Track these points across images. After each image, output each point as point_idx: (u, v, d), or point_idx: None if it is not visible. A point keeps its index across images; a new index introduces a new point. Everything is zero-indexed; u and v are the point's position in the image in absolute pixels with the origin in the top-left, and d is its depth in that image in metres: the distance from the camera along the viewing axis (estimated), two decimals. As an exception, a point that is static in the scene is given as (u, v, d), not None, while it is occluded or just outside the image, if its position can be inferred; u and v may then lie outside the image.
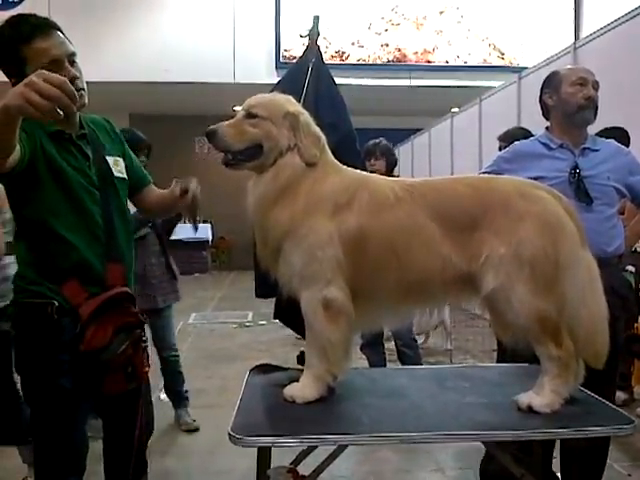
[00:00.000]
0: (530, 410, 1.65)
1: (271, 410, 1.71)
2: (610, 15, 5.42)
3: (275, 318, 2.37)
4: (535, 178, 2.27)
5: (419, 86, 13.37)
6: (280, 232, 1.70)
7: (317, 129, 1.79)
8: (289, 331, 7.28)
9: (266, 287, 2.12)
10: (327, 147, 1.80)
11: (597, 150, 2.52)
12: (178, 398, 4.04)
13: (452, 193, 1.75)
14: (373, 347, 4.27)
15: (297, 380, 1.79)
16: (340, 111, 2.32)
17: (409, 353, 4.30)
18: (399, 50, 13.83)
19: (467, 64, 13.91)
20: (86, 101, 1.92)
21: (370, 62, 13.47)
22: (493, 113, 7.55)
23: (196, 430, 3.97)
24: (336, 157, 1.84)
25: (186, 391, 4.08)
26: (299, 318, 1.79)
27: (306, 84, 2.20)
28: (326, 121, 2.13)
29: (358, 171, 1.87)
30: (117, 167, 2.03)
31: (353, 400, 1.78)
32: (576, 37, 11.69)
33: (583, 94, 2.48)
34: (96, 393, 1.90)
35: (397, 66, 13.51)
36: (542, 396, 1.66)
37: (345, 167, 1.84)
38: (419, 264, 1.71)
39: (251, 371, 2.12)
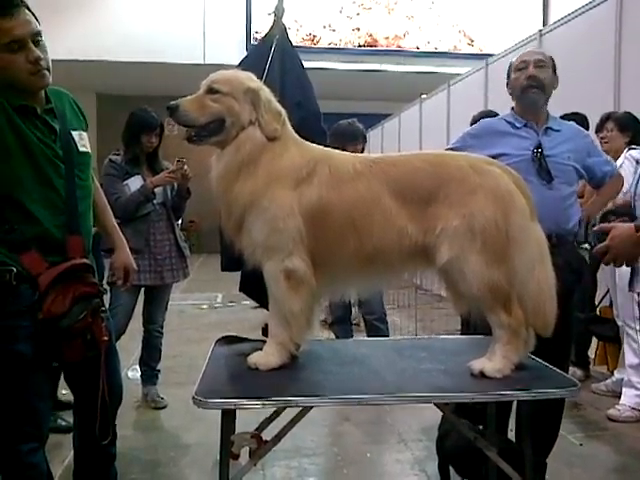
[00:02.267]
0: (482, 375, 1.73)
1: (235, 377, 1.76)
2: (577, 2, 5.54)
3: (240, 290, 2.42)
4: (500, 155, 2.38)
5: (389, 71, 13.42)
6: (242, 204, 1.75)
7: (277, 105, 1.84)
8: (259, 313, 7.32)
9: (231, 261, 2.16)
10: (288, 122, 1.86)
11: (559, 130, 2.61)
12: (149, 374, 4.07)
13: (409, 168, 1.82)
14: (341, 324, 4.35)
15: (261, 350, 1.85)
16: (306, 89, 2.35)
17: (382, 327, 4.37)
18: (370, 35, 13.85)
19: (437, 50, 14.01)
20: (49, 81, 1.95)
21: (341, 46, 13.48)
22: (461, 98, 7.66)
23: (164, 408, 4.01)
24: (301, 135, 1.89)
25: (158, 369, 4.11)
26: (262, 290, 1.84)
27: (269, 60, 2.22)
28: (292, 100, 2.17)
29: (319, 146, 1.91)
30: (82, 141, 2.07)
31: (315, 367, 1.85)
32: (544, 25, 11.86)
33: (524, 75, 2.58)
34: (58, 361, 1.95)
35: (368, 51, 13.54)
36: (494, 362, 1.75)
37: (306, 142, 1.89)
38: (376, 235, 1.77)
39: (216, 342, 2.17)
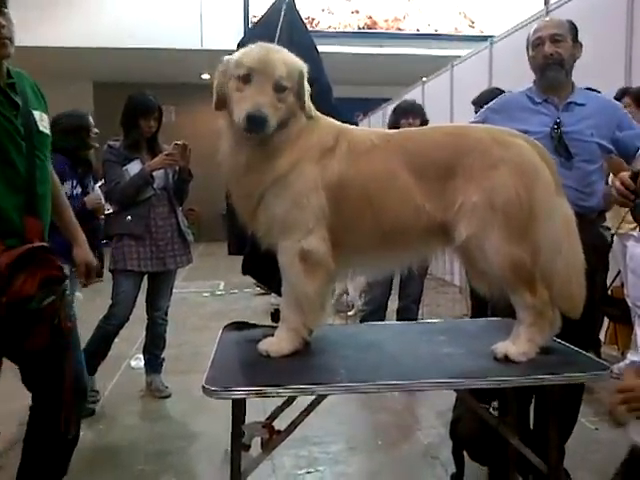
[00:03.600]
0: (506, 359, 1.65)
1: (245, 364, 1.67)
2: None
3: (244, 273, 2.32)
4: (520, 131, 2.25)
5: (390, 54, 13.25)
6: (271, 180, 1.65)
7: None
8: (262, 300, 7.25)
9: (241, 244, 2.07)
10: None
11: (583, 105, 2.48)
12: (154, 363, 3.99)
13: (427, 141, 1.72)
14: (376, 315, 4.18)
15: (272, 336, 1.76)
16: (317, 63, 2.24)
17: (413, 309, 4.26)
18: (370, 17, 13.66)
19: (438, 32, 13.83)
20: (11, 51, 1.85)
21: (340, 29, 13.29)
22: (465, 80, 7.52)
23: (168, 397, 3.93)
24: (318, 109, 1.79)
25: (163, 358, 4.03)
26: (271, 272, 1.75)
27: (278, 32, 2.11)
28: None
29: (337, 121, 1.82)
30: (42, 122, 2.00)
31: (329, 353, 1.76)
32: (546, 4, 11.67)
33: (541, 55, 2.46)
34: (18, 350, 1.86)
35: (368, 34, 13.36)
36: (518, 345, 1.66)
37: (323, 116, 1.80)
38: (393, 213, 1.68)
39: (224, 328, 2.08)
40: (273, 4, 2.28)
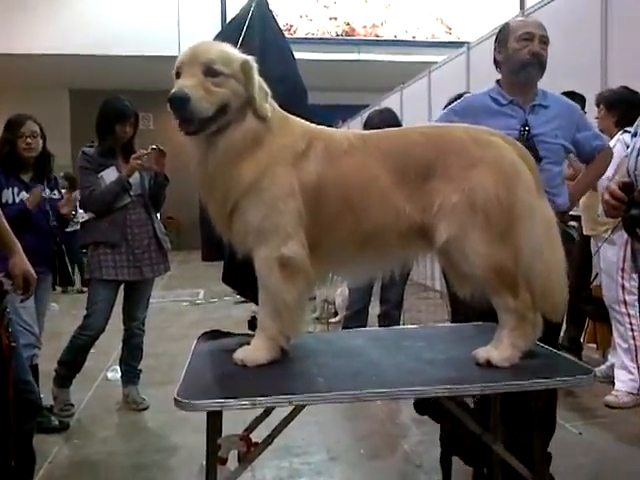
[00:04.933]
0: (489, 364, 1.60)
1: (220, 374, 1.61)
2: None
3: (224, 282, 2.26)
4: None
5: (368, 60, 13.30)
6: (243, 186, 1.59)
7: (262, 80, 1.68)
8: (242, 309, 7.16)
9: (213, 249, 2.01)
10: (273, 101, 1.70)
11: (547, 107, 2.47)
12: (130, 375, 3.89)
13: (405, 141, 1.68)
14: (357, 318, 4.11)
15: (248, 344, 1.70)
16: (289, 63, 2.19)
17: (395, 315, 4.20)
18: (348, 24, 13.73)
19: (415, 39, 13.93)
20: None
21: (318, 36, 13.32)
22: (442, 85, 7.54)
23: (146, 409, 3.84)
24: (286, 110, 1.74)
25: (140, 369, 3.94)
26: (249, 281, 1.70)
27: (244, 30, 2.05)
28: (275, 73, 2.02)
29: (310, 123, 1.77)
30: None
31: (307, 361, 1.71)
32: (522, 9, 11.80)
33: (528, 49, 2.40)
34: None
35: (346, 40, 13.40)
36: (500, 350, 1.62)
37: (295, 118, 1.74)
38: (372, 215, 1.64)
39: (199, 338, 2.02)
40: (244, 5, 2.23)
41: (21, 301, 2.22)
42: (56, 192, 3.59)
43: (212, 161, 1.62)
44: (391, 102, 9.68)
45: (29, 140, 3.39)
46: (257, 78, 1.63)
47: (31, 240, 3.29)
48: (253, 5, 2.14)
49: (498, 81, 2.54)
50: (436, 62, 8.23)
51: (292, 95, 2.02)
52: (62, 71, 12.25)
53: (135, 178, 3.65)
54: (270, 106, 1.66)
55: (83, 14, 11.13)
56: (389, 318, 4.13)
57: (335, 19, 13.52)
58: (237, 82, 1.60)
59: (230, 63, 1.59)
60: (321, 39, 13.30)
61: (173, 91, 1.51)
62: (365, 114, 11.38)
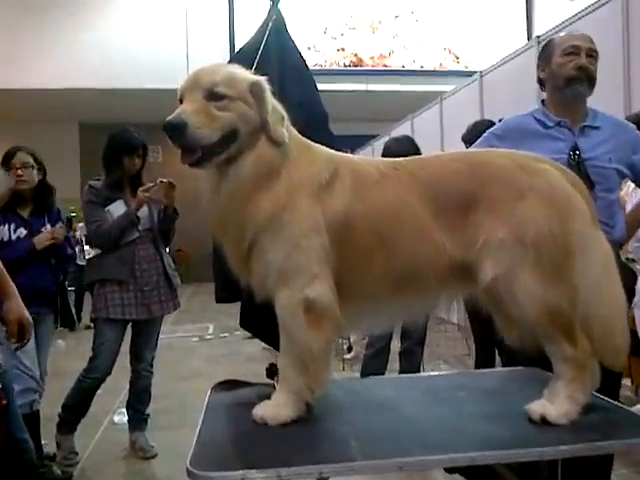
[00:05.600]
0: (544, 421, 1.40)
1: (238, 436, 1.42)
2: (563, 14, 5.31)
3: (242, 326, 2.07)
4: None
5: (376, 91, 13.28)
6: (261, 221, 1.43)
7: (277, 104, 1.52)
8: (253, 344, 6.93)
9: (228, 290, 1.83)
10: (290, 125, 1.55)
11: (598, 128, 2.26)
12: (138, 420, 3.67)
13: (442, 169, 1.51)
14: (379, 357, 3.84)
15: (268, 397, 1.52)
16: (309, 87, 2.04)
17: (418, 352, 3.95)
18: (355, 55, 13.75)
19: (423, 68, 13.93)
20: None
21: (326, 67, 13.33)
22: (455, 113, 7.43)
23: (154, 457, 3.61)
24: (307, 138, 1.58)
25: (148, 414, 3.72)
26: (271, 326, 1.52)
27: (261, 50, 1.89)
28: (294, 99, 1.86)
29: (333, 151, 1.61)
30: None
31: (336, 418, 1.51)
32: (529, 38, 11.78)
33: (574, 64, 2.22)
34: None
35: (354, 71, 13.41)
36: (557, 404, 1.42)
37: (318, 145, 1.58)
38: (408, 252, 1.46)
39: (213, 389, 1.82)
40: (260, 26, 2.09)
41: (15, 349, 2.03)
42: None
43: (224, 194, 1.45)
44: (402, 131, 9.57)
45: (19, 172, 3.23)
46: (270, 100, 1.48)
47: (27, 279, 3.13)
48: (270, 25, 1.99)
49: (543, 101, 2.36)
50: (444, 91, 8.14)
51: (313, 121, 1.87)
52: (72, 105, 12.29)
53: (144, 212, 3.49)
54: (288, 132, 1.50)
55: (93, 49, 11.19)
56: (411, 356, 3.90)
57: (343, 50, 13.54)
58: (246, 105, 1.44)
59: (235, 84, 1.44)
60: (329, 70, 13.31)
61: (169, 118, 1.36)
62: (375, 143, 11.33)
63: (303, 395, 1.47)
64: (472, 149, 2.34)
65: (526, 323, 1.44)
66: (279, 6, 2.03)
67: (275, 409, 1.46)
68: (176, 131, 1.35)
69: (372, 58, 13.74)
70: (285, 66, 1.96)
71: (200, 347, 7.08)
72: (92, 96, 11.67)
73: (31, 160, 3.27)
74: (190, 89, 1.42)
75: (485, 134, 2.38)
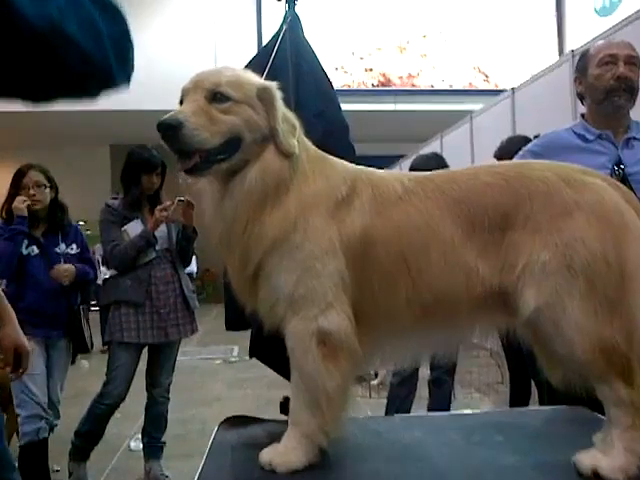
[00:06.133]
0: (596, 476, 1.20)
1: (242, 485, 1.25)
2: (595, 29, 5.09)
3: (251, 356, 1.91)
4: None
5: (404, 110, 13.14)
6: (268, 242, 1.28)
7: (289, 112, 1.38)
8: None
9: (239, 317, 1.67)
10: (303, 136, 1.40)
11: None
12: (153, 447, 3.52)
13: (475, 183, 1.33)
14: (406, 385, 3.61)
15: (279, 437, 1.35)
16: (328, 96, 1.88)
17: (447, 382, 3.71)
18: (383, 75, 13.65)
19: (452, 87, 13.76)
20: None
21: (354, 87, 13.26)
22: (486, 132, 7.23)
23: (169, 486, 3.45)
24: (325, 151, 1.43)
25: (163, 441, 3.57)
26: (283, 356, 1.35)
27: (273, 55, 1.75)
28: (311, 110, 1.72)
29: (352, 164, 1.45)
30: None
31: (353, 465, 1.33)
32: (561, 54, 11.54)
33: (611, 74, 2.06)
34: None
35: (382, 91, 13.31)
36: (611, 456, 1.22)
37: (335, 158, 1.43)
38: (435, 277, 1.29)
39: (220, 425, 1.66)
40: (275, 31, 1.94)
41: (11, 380, 1.89)
42: (74, 246, 3.32)
43: (227, 211, 1.30)
44: (431, 150, 9.40)
45: (32, 192, 3.14)
46: (280, 108, 1.33)
47: (34, 298, 3.04)
48: (285, 28, 1.85)
49: (583, 115, 2.20)
50: (473, 110, 7.95)
51: (332, 132, 1.71)
52: (104, 127, 12.42)
53: (162, 231, 3.38)
54: (300, 142, 1.35)
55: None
56: (441, 385, 3.67)
57: (371, 70, 13.46)
58: (252, 110, 1.30)
59: (242, 87, 1.30)
60: (357, 90, 13.23)
61: (163, 117, 1.22)
62: (403, 163, 11.16)
63: (316, 439, 1.29)
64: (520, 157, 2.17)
65: (574, 361, 1.24)
66: (295, 10, 1.89)
67: (284, 454, 1.29)
68: (170, 131, 1.21)
69: (400, 78, 13.62)
70: (301, 74, 1.81)
71: (224, 370, 6.92)
72: (124, 118, 11.76)
73: (43, 178, 3.19)
74: (192, 89, 1.29)
75: (521, 152, 2.21)
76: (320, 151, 1.41)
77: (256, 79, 1.36)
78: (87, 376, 6.37)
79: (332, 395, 1.27)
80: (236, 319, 1.85)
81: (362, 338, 1.30)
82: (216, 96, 1.27)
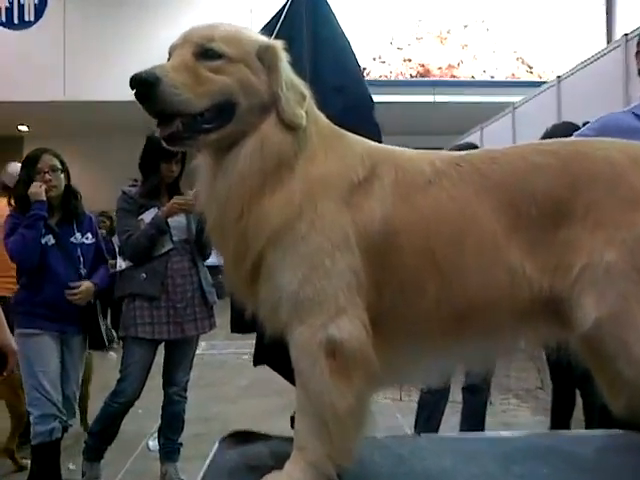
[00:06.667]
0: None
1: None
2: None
3: (257, 364, 1.70)
4: None
5: (443, 102, 12.78)
6: (269, 232, 1.07)
7: (297, 79, 1.16)
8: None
9: (243, 318, 1.46)
10: (315, 107, 1.18)
11: None
12: (169, 449, 3.36)
13: (521, 165, 1.09)
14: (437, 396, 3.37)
15: (284, 460, 1.14)
16: (350, 68, 1.64)
17: (483, 388, 3.43)
18: (422, 65, 13.30)
19: (494, 79, 13.33)
20: None
21: (392, 78, 12.95)
22: (529, 122, 6.88)
23: (183, 490, 3.29)
24: (341, 127, 1.21)
25: (180, 443, 3.40)
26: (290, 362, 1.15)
27: (281, 21, 1.51)
28: (330, 80, 1.50)
29: (374, 142, 1.23)
30: None
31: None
32: (609, 43, 11.02)
33: None
34: None
35: (421, 82, 12.96)
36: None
37: (353, 135, 1.20)
38: (472, 279, 1.06)
39: (221, 442, 1.46)
40: None
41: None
42: (89, 235, 3.16)
43: (221, 192, 1.10)
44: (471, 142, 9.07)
45: (48, 176, 2.98)
46: (285, 70, 1.11)
47: (52, 292, 2.89)
48: None
49: None
50: (515, 102, 7.59)
51: (353, 108, 1.48)
52: (140, 117, 12.45)
53: (180, 221, 3.21)
54: (311, 114, 1.13)
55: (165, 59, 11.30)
56: (476, 392, 3.40)
57: (409, 60, 13.11)
58: (249, 70, 1.08)
59: (238, 43, 1.09)
60: (395, 81, 12.92)
61: (138, 71, 1.01)
62: (441, 156, 10.81)
63: (323, 468, 1.08)
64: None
65: (642, 384, 1.00)
66: None
67: (287, 485, 1.09)
68: (143, 87, 1.01)
69: (440, 69, 13.24)
70: (319, 41, 1.56)
71: (251, 366, 6.77)
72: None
73: (58, 163, 3.04)
74: (179, 45, 1.09)
75: (575, 135, 1.96)
76: (335, 126, 1.19)
77: (257, 36, 1.15)
78: (115, 369, 6.32)
79: (343, 417, 1.06)
80: (241, 320, 1.64)
81: (380, 350, 1.08)
82: (207, 53, 1.06)
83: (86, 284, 3.00)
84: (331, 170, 1.09)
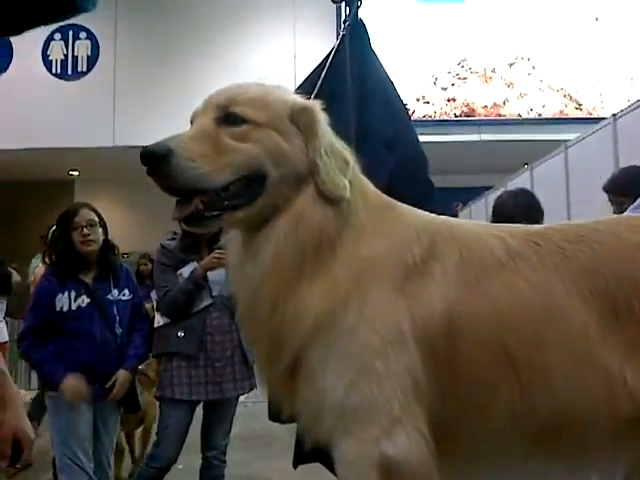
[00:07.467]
0: None
1: None
2: None
3: (297, 465, 1.50)
4: None
5: (490, 141, 12.57)
6: (309, 326, 0.92)
7: (339, 142, 1.01)
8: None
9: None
10: (360, 174, 1.02)
11: None
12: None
13: (618, 245, 0.90)
14: None
15: None
16: (400, 119, 1.47)
17: None
18: (467, 105, 13.15)
19: (541, 116, 13.07)
20: None
21: (437, 118, 12.82)
22: (583, 162, 6.60)
23: None
24: (394, 194, 1.04)
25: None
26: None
27: (325, 71, 1.37)
28: (380, 137, 1.34)
29: (432, 214, 1.05)
30: None
31: None
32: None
33: None
34: None
35: (465, 121, 12.80)
36: None
37: (407, 207, 1.04)
38: (558, 387, 0.87)
39: None
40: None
41: (8, 478, 1.56)
42: (126, 292, 3.05)
43: (252, 279, 0.95)
44: (519, 183, 8.78)
45: (86, 231, 2.90)
46: (325, 134, 0.97)
47: (87, 354, 2.78)
48: (344, 34, 1.46)
49: None
50: (565, 140, 7.32)
51: (405, 165, 1.32)
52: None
53: (220, 275, 3.08)
54: (356, 184, 0.97)
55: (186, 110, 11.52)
56: None
57: (454, 100, 12.98)
58: (280, 137, 0.93)
59: (266, 106, 0.95)
60: (440, 121, 12.79)
61: (150, 144, 0.88)
62: (489, 196, 10.55)
63: None
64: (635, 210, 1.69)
65: None
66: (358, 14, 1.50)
67: None
68: (154, 162, 0.89)
69: (485, 107, 13.06)
70: (366, 93, 1.40)
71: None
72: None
73: (95, 217, 2.97)
74: (201, 111, 0.96)
75: None
76: (384, 196, 1.02)
77: (290, 96, 1.00)
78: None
79: None
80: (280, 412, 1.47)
81: (444, 469, 0.88)
82: (230, 118, 0.93)
83: (120, 377, 2.85)
84: (381, 250, 0.92)
